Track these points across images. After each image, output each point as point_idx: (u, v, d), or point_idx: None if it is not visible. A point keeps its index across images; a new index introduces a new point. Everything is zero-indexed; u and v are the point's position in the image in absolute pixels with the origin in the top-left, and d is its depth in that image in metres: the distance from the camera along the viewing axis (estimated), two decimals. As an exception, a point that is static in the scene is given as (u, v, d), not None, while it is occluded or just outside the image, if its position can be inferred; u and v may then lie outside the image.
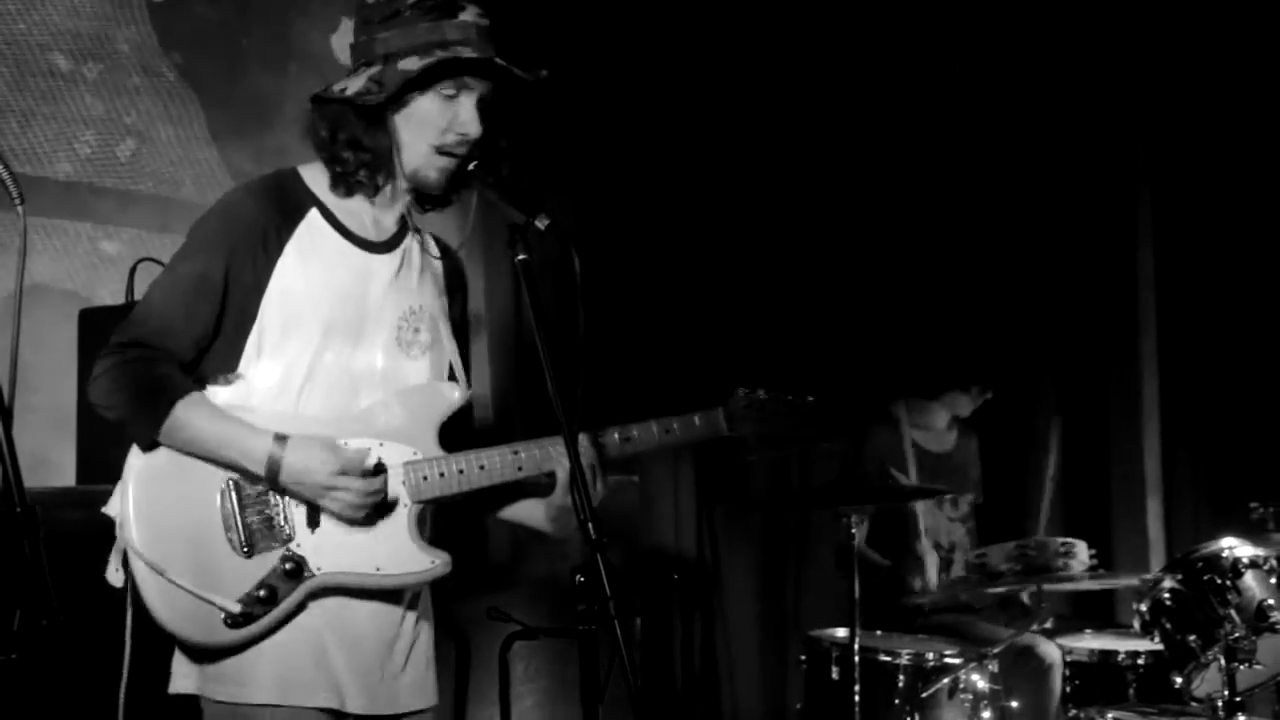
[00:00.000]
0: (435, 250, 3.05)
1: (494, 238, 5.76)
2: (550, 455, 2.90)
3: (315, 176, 2.88)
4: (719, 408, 3.10)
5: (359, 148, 2.81)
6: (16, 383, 2.02)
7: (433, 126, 2.82)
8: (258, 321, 2.76)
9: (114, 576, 2.74)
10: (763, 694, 6.55)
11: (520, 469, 2.90)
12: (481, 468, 2.87)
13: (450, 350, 3.00)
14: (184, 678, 2.79)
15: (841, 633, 5.08)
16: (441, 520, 2.98)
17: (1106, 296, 7.04)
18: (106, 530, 2.81)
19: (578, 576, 2.64)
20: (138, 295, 4.19)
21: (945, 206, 6.89)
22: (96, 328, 4.08)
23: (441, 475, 2.84)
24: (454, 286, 3.09)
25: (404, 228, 2.96)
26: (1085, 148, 6.99)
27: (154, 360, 2.71)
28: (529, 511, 3.06)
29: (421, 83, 2.79)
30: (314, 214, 2.84)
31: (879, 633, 5.32)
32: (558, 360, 2.68)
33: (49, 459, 4.29)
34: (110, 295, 4.66)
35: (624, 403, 3.24)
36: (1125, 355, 7.03)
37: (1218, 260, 6.85)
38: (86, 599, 2.69)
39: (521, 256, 2.77)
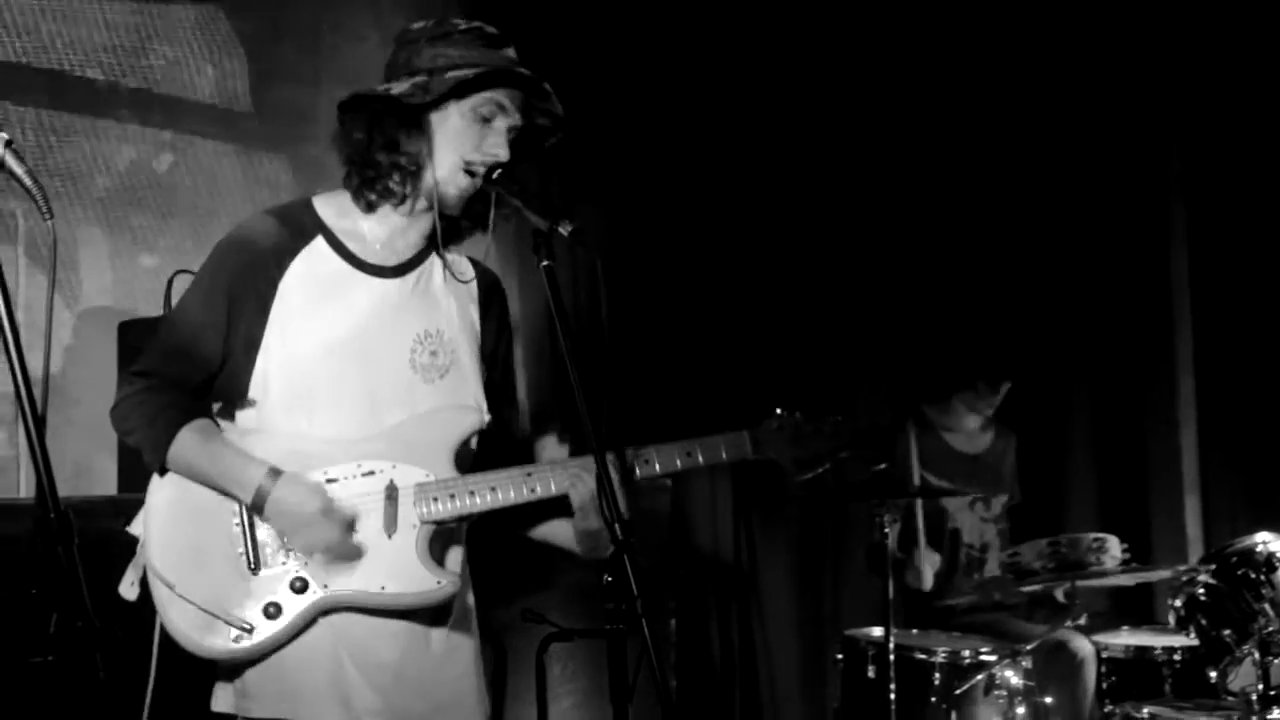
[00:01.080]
0: (467, 271, 3.05)
1: (527, 245, 5.92)
2: (562, 480, 2.91)
3: (328, 205, 2.92)
4: (744, 431, 3.07)
5: (395, 149, 2.82)
6: (49, 391, 2.05)
7: (465, 142, 2.84)
8: (263, 347, 2.81)
9: (127, 591, 2.82)
10: (801, 693, 6.54)
11: (533, 491, 2.91)
12: (493, 490, 2.89)
13: (472, 377, 2.98)
14: (220, 695, 2.87)
15: (878, 632, 5.10)
16: (478, 535, 3.03)
17: (1141, 294, 7.01)
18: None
19: (605, 577, 2.66)
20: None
21: (979, 208, 6.88)
22: (135, 339, 4.13)
23: (452, 498, 2.87)
24: (488, 304, 3.08)
25: (426, 249, 2.97)
26: (1119, 147, 6.97)
27: (164, 388, 2.81)
28: (557, 531, 3.07)
29: (471, 89, 2.82)
30: (319, 241, 2.87)
31: (915, 631, 5.33)
32: (584, 366, 2.69)
33: (91, 468, 4.36)
34: (148, 308, 4.71)
35: (654, 415, 3.22)
36: (1161, 353, 7.00)
37: (1252, 257, 6.80)
38: (124, 604, 2.76)
39: (546, 263, 2.78)
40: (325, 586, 2.79)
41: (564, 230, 2.76)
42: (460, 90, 2.81)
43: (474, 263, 3.08)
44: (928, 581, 5.52)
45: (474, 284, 3.05)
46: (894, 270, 6.75)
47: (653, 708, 2.62)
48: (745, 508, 6.45)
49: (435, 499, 2.85)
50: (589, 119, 5.48)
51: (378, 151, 2.82)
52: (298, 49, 5.35)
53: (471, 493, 2.87)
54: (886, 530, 4.87)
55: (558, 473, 2.91)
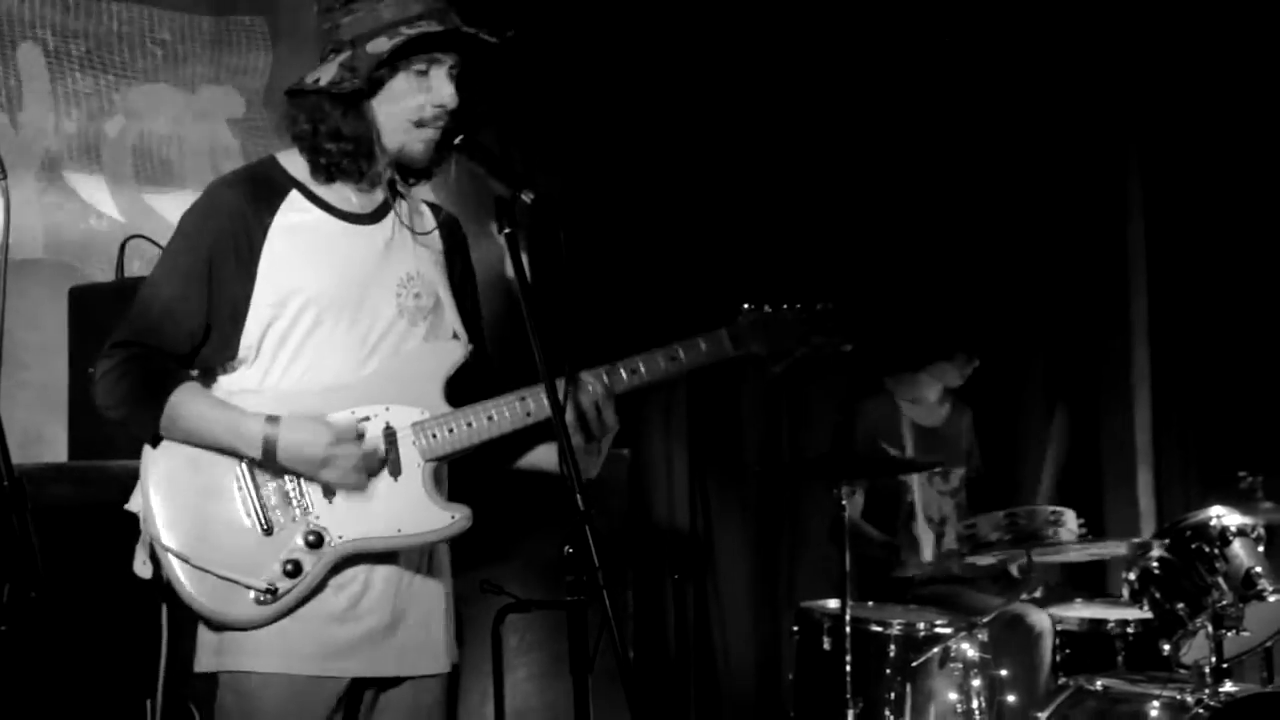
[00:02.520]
0: (428, 214, 3.06)
1: (484, 211, 5.92)
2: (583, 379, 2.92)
3: (294, 161, 2.90)
4: (721, 329, 3.08)
5: (340, 138, 2.82)
6: (1, 360, 2.00)
7: (409, 104, 2.83)
8: (252, 306, 2.79)
9: (141, 569, 2.79)
10: (756, 665, 6.57)
11: (529, 415, 2.91)
12: (490, 419, 2.88)
13: (450, 313, 3.01)
14: (204, 656, 2.82)
15: (833, 604, 5.10)
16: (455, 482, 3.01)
17: (1097, 266, 7.04)
18: (97, 505, 2.87)
19: (566, 548, 2.65)
20: (128, 272, 4.23)
21: (934, 178, 6.88)
22: (87, 305, 4.10)
23: (450, 431, 2.86)
24: (451, 244, 3.09)
25: (392, 195, 2.97)
26: (1075, 118, 6.98)
27: (148, 357, 2.77)
28: (545, 457, 3.06)
29: (391, 63, 2.80)
30: (295, 194, 2.86)
31: (871, 604, 5.34)
32: (548, 343, 2.69)
33: (41, 435, 4.30)
34: (101, 272, 4.65)
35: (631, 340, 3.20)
36: (1116, 325, 7.04)
37: (1209, 230, 6.85)
38: (76, 573, 2.73)
39: (507, 230, 2.77)
40: (341, 537, 2.79)
41: (527, 198, 2.75)
42: (384, 63, 2.80)
43: (430, 205, 3.10)
44: (927, 558, 5.55)
45: (435, 226, 3.07)
46: (856, 240, 6.75)
47: (611, 680, 2.60)
48: (701, 476, 6.45)
49: (434, 434, 2.85)
50: (546, 87, 5.74)
51: (324, 141, 2.83)
52: (253, 9, 5.29)
53: (469, 423, 2.87)
54: (844, 503, 4.87)
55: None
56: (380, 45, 2.77)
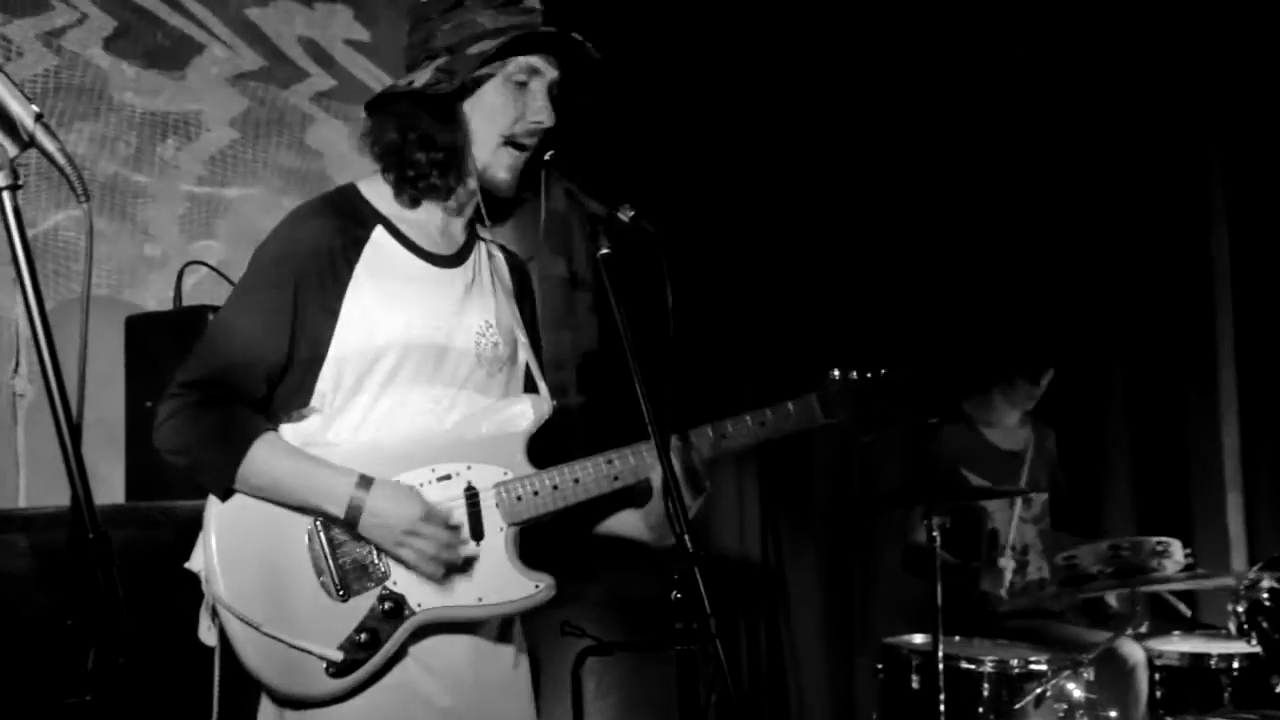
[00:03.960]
0: (500, 257, 2.95)
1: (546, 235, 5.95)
2: (645, 461, 2.77)
3: (376, 191, 2.77)
4: (812, 394, 2.96)
5: (432, 146, 2.68)
6: (84, 396, 1.87)
7: (504, 116, 2.70)
8: (332, 350, 2.63)
9: (207, 635, 2.62)
10: (830, 702, 6.45)
11: (616, 479, 2.77)
12: (576, 481, 2.75)
13: (530, 362, 2.89)
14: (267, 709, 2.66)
15: (919, 639, 4.94)
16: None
17: (1181, 284, 6.84)
18: (161, 549, 2.72)
19: (674, 593, 2.54)
20: (185, 300, 4.11)
21: (1016, 196, 6.76)
22: (143, 335, 3.97)
23: (535, 493, 2.73)
24: (523, 294, 2.99)
25: (473, 236, 2.86)
26: (1157, 125, 6.80)
27: (223, 400, 2.58)
28: (627, 524, 2.92)
29: (496, 61, 2.68)
30: (380, 231, 2.71)
31: (957, 638, 5.16)
32: (646, 364, 2.56)
33: (96, 473, 4.13)
34: (155, 301, 4.54)
35: (712, 400, 3.13)
36: (1201, 345, 6.82)
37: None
38: (144, 627, 2.56)
39: (604, 251, 2.64)
40: (420, 605, 2.63)
41: (625, 216, 2.62)
42: (487, 65, 2.68)
43: (501, 247, 2.99)
44: (1007, 584, 5.36)
45: (508, 271, 2.97)
46: (930, 261, 6.64)
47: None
48: (772, 509, 6.35)
49: (519, 497, 2.72)
50: (636, 103, 5.71)
51: (414, 151, 2.70)
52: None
53: (555, 486, 2.74)
54: (935, 533, 4.69)
55: (640, 456, 2.79)
56: (483, 47, 2.65)
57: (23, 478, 4.39)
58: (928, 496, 4.88)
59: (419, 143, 2.68)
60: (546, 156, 2.75)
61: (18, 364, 4.48)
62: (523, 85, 2.71)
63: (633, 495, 2.83)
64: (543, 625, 4.05)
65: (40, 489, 4.27)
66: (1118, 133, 6.80)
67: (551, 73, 2.73)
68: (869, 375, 3.00)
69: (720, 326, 6.00)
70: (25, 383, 4.48)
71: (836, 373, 3.00)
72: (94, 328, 4.22)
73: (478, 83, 2.69)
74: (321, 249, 2.63)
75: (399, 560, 2.62)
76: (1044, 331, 6.01)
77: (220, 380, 2.58)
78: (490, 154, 2.72)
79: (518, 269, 2.99)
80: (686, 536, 2.53)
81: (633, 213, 2.62)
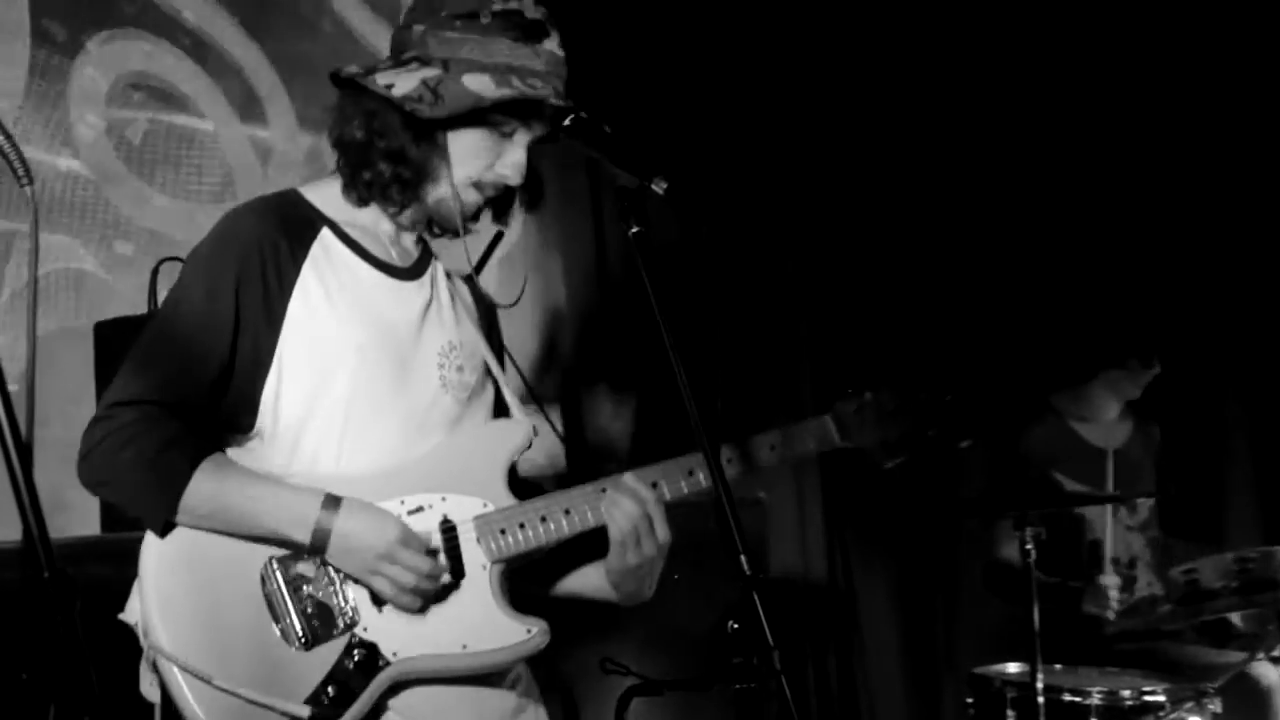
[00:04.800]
0: (462, 283, 2.96)
1: (572, 208, 5.98)
2: (631, 487, 2.77)
3: (320, 196, 2.76)
4: (825, 416, 2.96)
5: (401, 160, 2.68)
6: (35, 410, 1.83)
7: (477, 160, 2.71)
8: (275, 363, 2.59)
9: (150, 692, 2.55)
10: (911, 737, 6.40)
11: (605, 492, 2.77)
12: (567, 513, 2.73)
13: (504, 389, 2.89)
14: None
15: (1014, 668, 4.86)
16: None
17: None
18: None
19: (730, 623, 2.51)
20: (161, 303, 4.08)
21: (1109, 164, 6.70)
22: (114, 342, 3.94)
23: (521, 526, 2.70)
24: (490, 325, 2.99)
25: (427, 253, 2.86)
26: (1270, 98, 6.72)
27: (157, 423, 2.51)
28: (591, 581, 2.89)
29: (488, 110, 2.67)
30: (327, 233, 2.70)
31: (1058, 667, 5.08)
32: (686, 356, 2.52)
33: (66, 502, 4.12)
34: (128, 305, 4.52)
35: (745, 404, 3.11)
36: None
37: None
38: (119, 674, 2.52)
39: (636, 229, 2.59)
40: (395, 654, 2.58)
41: (659, 188, 2.58)
42: (478, 110, 2.67)
43: (465, 277, 3.00)
44: (1113, 605, 5.27)
45: (473, 297, 2.98)
46: (1022, 236, 6.60)
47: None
48: (839, 521, 6.32)
49: (502, 531, 2.68)
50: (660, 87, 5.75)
51: (379, 160, 2.69)
52: None
53: (543, 519, 2.71)
54: (1029, 546, 4.61)
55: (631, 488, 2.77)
56: (483, 85, 2.62)
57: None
58: (1017, 505, 4.79)
59: (387, 154, 2.68)
60: (567, 122, 2.70)
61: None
62: (507, 135, 2.72)
63: (592, 548, 2.81)
64: (581, 661, 4.02)
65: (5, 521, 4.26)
66: (1230, 108, 6.73)
67: (540, 128, 2.72)
68: (889, 394, 3.00)
69: (769, 323, 6.03)
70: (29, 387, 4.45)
71: (854, 390, 3.00)
72: (60, 336, 4.25)
73: (462, 119, 2.67)
74: (266, 240, 2.60)
75: (371, 589, 2.58)
76: (1155, 311, 5.93)
77: (156, 398, 2.52)
78: (452, 189, 2.72)
79: (482, 300, 2.99)
80: (744, 557, 2.47)
81: (667, 184, 2.58)
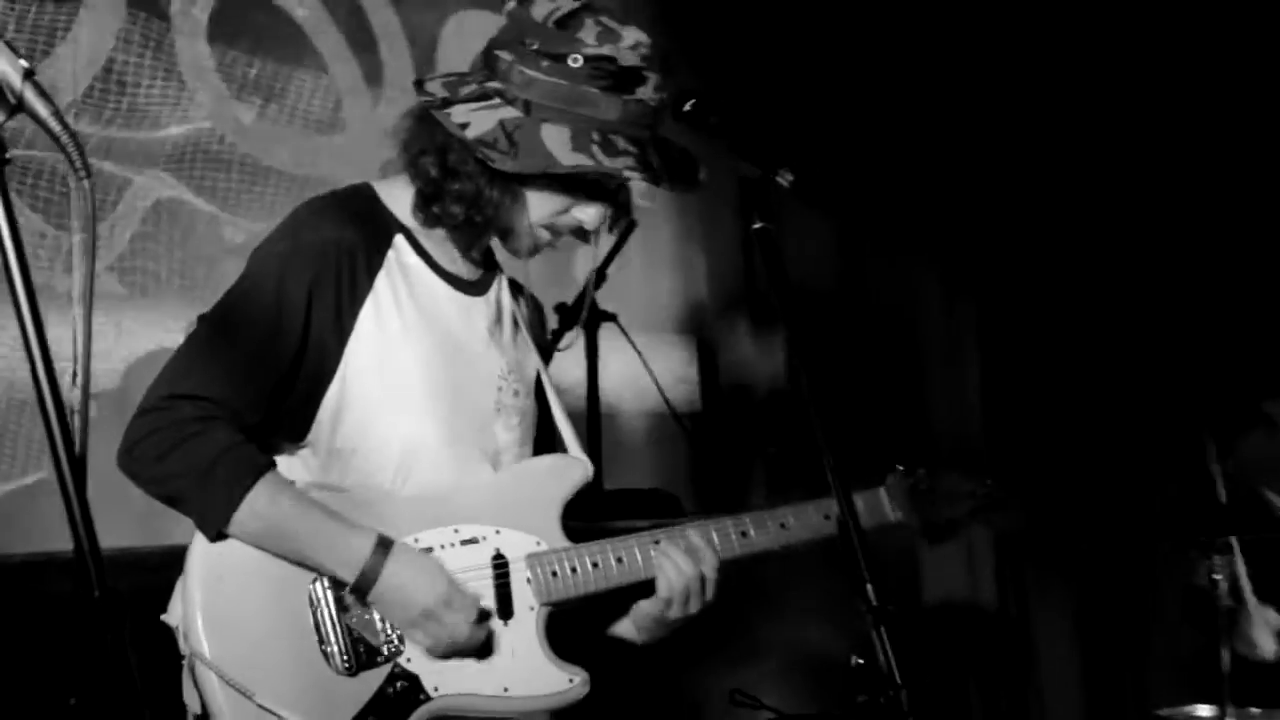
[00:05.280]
0: (523, 296, 3.04)
1: (720, 205, 6.02)
2: (695, 542, 2.87)
3: (393, 195, 2.80)
4: (880, 488, 3.07)
5: (475, 205, 2.72)
6: (89, 419, 1.88)
7: (552, 203, 2.76)
8: (339, 376, 2.66)
9: (193, 700, 2.62)
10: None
11: (659, 543, 2.87)
12: (619, 560, 2.82)
13: (559, 418, 2.96)
14: None
15: (1204, 711, 4.79)
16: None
17: None
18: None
19: (854, 658, 2.51)
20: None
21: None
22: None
23: (574, 570, 2.78)
24: (543, 331, 3.09)
25: (491, 264, 2.92)
26: None
27: (215, 423, 2.56)
28: (630, 628, 2.99)
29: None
30: (400, 240, 2.76)
31: (1255, 710, 5.00)
32: (814, 367, 2.56)
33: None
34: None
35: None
36: None
37: None
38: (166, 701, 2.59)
39: (759, 225, 2.61)
40: (437, 690, 2.66)
41: (784, 180, 2.59)
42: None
43: (519, 284, 3.09)
44: (1267, 649, 5.16)
45: (531, 309, 3.08)
46: (1233, 232, 6.50)
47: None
48: (1010, 543, 6.30)
49: (554, 573, 2.78)
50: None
51: (451, 201, 2.73)
52: None
53: (595, 563, 2.82)
54: (1216, 575, 4.54)
55: (688, 535, 2.89)
56: (560, 143, 2.65)
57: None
58: (1215, 526, 4.72)
59: (460, 197, 2.71)
60: (686, 107, 2.72)
61: (76, 371, 4.59)
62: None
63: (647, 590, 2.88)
64: (709, 691, 4.05)
65: (109, 528, 4.37)
66: None
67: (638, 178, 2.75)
68: (947, 479, 3.13)
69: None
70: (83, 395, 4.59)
71: (900, 468, 3.10)
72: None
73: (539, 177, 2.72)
74: (343, 249, 2.65)
75: (411, 638, 2.65)
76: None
77: (215, 397, 2.57)
78: (524, 229, 2.78)
79: (539, 310, 3.10)
80: (869, 585, 2.47)
81: (793, 177, 2.60)
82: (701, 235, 5.96)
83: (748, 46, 6.22)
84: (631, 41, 2.67)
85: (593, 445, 5.07)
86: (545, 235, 2.78)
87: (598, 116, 2.66)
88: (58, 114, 1.80)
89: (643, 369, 5.13)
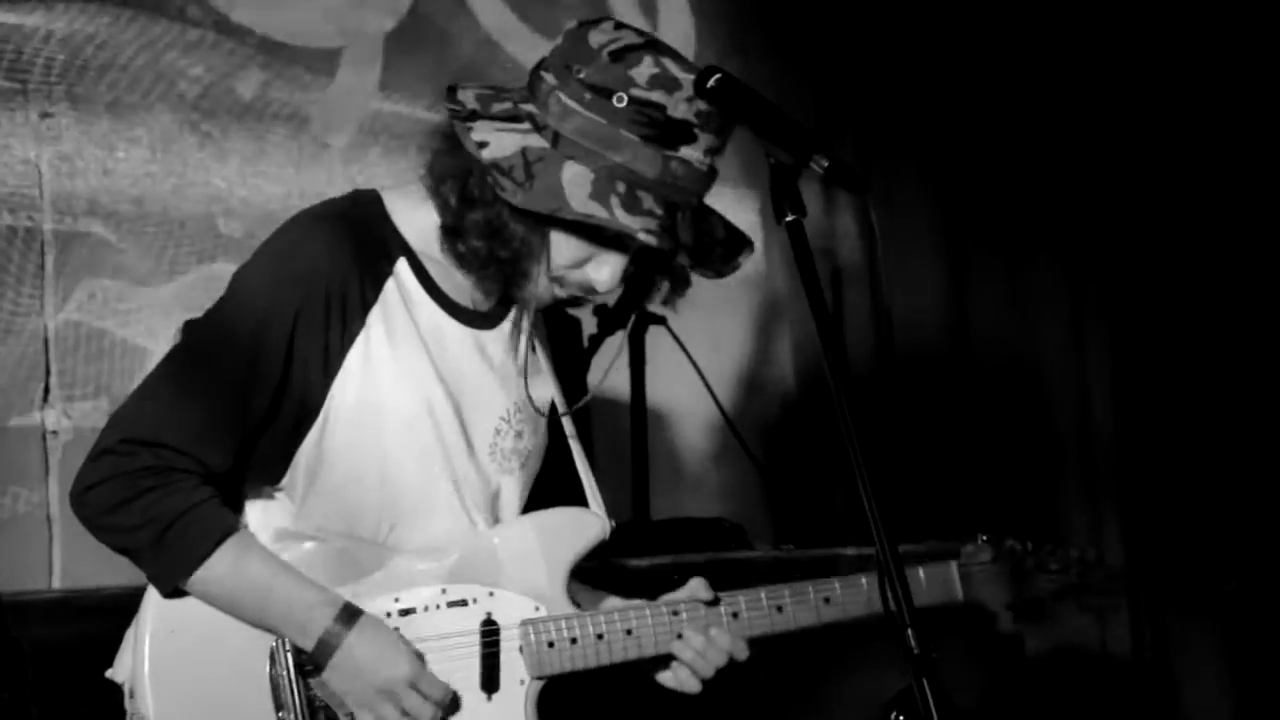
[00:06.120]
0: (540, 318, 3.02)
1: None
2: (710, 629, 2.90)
3: (404, 210, 2.83)
4: (951, 561, 3.08)
5: (497, 238, 2.73)
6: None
7: (569, 252, 2.76)
8: (321, 417, 2.72)
9: None
10: None
11: (681, 636, 2.90)
12: (628, 633, 2.86)
13: (577, 458, 3.00)
14: None
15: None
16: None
17: None
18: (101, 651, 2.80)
19: (895, 715, 2.55)
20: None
21: None
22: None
23: (573, 641, 2.82)
24: (561, 364, 3.11)
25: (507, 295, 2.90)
26: None
27: (175, 476, 2.63)
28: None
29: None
30: (403, 266, 2.79)
31: None
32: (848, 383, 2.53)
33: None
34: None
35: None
36: None
37: None
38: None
39: (791, 217, 2.64)
40: None
41: (819, 166, 2.60)
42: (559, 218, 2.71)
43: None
44: None
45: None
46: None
47: None
48: (1146, 578, 6.29)
49: (551, 643, 2.82)
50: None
51: (473, 233, 2.74)
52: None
53: (600, 635, 2.85)
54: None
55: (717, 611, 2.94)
56: (577, 187, 2.66)
57: (57, 549, 4.61)
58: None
59: (480, 229, 2.73)
60: (711, 83, 2.73)
61: (48, 390, 4.70)
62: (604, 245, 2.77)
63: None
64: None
65: (78, 563, 4.48)
66: None
67: (649, 243, 2.71)
68: (1034, 550, 3.14)
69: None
70: (58, 415, 4.70)
71: (982, 539, 3.12)
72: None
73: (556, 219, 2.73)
74: (334, 282, 2.69)
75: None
76: None
77: (177, 445, 2.64)
78: (541, 280, 2.78)
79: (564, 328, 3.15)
80: (910, 630, 2.50)
81: (828, 163, 2.61)
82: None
83: (850, 42, 6.42)
84: (690, 93, 2.67)
85: (638, 468, 5.14)
86: (550, 291, 2.80)
87: (629, 166, 2.66)
88: None
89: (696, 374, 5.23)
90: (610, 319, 4.63)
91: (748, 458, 5.52)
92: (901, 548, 2.59)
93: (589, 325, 4.73)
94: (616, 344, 4.50)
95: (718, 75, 2.69)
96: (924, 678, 2.44)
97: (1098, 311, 6.64)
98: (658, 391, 5.37)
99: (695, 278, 2.92)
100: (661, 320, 4.97)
